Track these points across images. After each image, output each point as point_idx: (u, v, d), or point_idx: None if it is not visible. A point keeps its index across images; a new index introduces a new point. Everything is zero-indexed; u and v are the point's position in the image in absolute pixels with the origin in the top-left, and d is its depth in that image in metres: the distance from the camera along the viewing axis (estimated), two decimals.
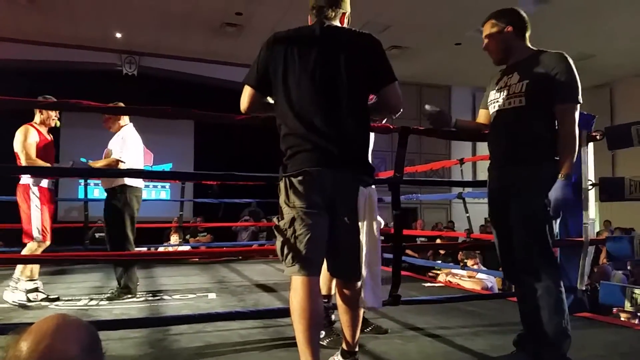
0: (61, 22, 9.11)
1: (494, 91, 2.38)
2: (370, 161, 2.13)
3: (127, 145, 4.09)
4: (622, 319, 3.83)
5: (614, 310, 3.97)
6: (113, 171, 4.04)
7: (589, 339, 2.86)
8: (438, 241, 6.51)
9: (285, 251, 1.95)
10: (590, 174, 3.09)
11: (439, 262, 6.14)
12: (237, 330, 2.95)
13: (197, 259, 6.77)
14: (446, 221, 12.07)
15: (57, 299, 3.78)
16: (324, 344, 2.55)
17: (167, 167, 11.60)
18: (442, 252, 6.85)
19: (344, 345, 2.17)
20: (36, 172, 3.61)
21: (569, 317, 2.16)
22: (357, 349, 2.16)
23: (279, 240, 1.99)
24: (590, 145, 3.15)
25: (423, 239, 7.23)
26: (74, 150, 8.58)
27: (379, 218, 2.07)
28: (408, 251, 7.64)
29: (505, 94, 2.29)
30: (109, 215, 4.03)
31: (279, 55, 1.98)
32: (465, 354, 2.59)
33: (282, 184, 2.01)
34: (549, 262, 2.18)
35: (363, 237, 1.99)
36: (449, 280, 5.01)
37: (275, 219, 2.06)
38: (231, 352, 2.59)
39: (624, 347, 2.77)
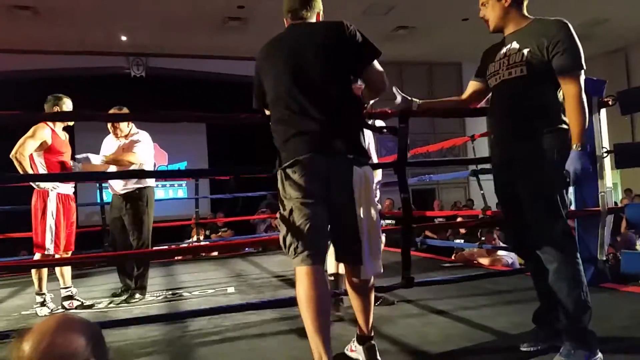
0: (66, 30, 9.17)
1: (493, 63, 2.28)
2: (362, 139, 2.09)
3: (149, 149, 4.12)
4: None
5: None
6: (120, 173, 4.02)
7: (612, 309, 2.80)
8: (459, 219, 6.44)
9: (287, 242, 1.98)
10: (604, 141, 2.99)
11: (461, 241, 6.05)
12: (255, 323, 2.96)
13: (216, 254, 6.80)
14: (465, 200, 11.95)
15: (93, 306, 3.77)
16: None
17: (181, 165, 11.69)
18: (462, 231, 6.76)
19: (358, 331, 2.17)
20: (47, 179, 3.54)
21: (588, 289, 2.08)
22: (371, 334, 2.14)
23: (281, 232, 2.01)
24: (603, 111, 3.04)
25: (441, 219, 7.15)
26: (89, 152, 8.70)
27: (376, 199, 2.05)
28: (427, 233, 7.62)
29: (505, 64, 2.20)
30: (134, 216, 4.00)
31: (263, 65, 2.12)
32: (486, 333, 2.55)
33: (278, 177, 2.04)
34: (564, 234, 2.10)
35: (361, 216, 1.99)
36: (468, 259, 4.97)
37: (278, 212, 2.07)
38: (249, 344, 2.59)
39: None
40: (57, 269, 3.72)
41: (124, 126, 4.09)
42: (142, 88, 10.53)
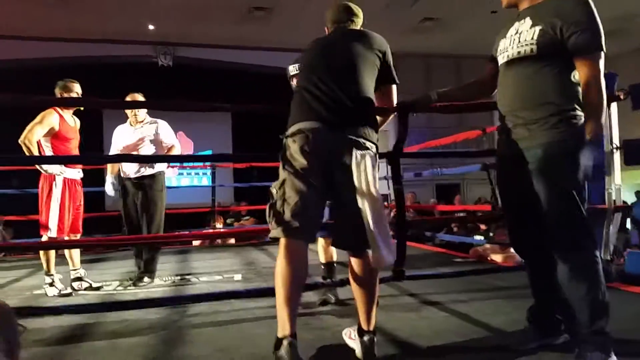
0: (94, 18, 9.32)
1: (504, 39, 2.10)
2: (373, 130, 2.10)
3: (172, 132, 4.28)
4: None
5: None
6: (133, 157, 4.09)
7: (617, 310, 2.70)
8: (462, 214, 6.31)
9: (273, 212, 1.98)
10: (615, 136, 2.86)
11: (479, 237, 5.94)
12: (252, 310, 2.97)
13: (232, 242, 6.86)
14: (490, 196, 11.72)
15: (100, 288, 3.85)
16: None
17: (207, 153, 11.81)
18: (483, 227, 6.64)
19: (358, 324, 2.12)
20: (43, 162, 3.58)
21: (606, 291, 1.93)
22: (372, 328, 2.08)
23: (270, 201, 2.02)
24: (614, 105, 2.91)
25: (461, 214, 7.04)
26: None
27: (377, 186, 2.00)
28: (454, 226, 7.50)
29: (515, 41, 2.01)
30: (149, 201, 4.07)
31: (306, 50, 2.26)
32: (479, 329, 2.50)
33: (283, 147, 2.06)
34: (583, 232, 1.93)
35: (365, 204, 1.95)
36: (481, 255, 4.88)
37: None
38: (241, 330, 2.61)
39: None
40: (66, 252, 3.82)
41: (143, 113, 4.18)
42: (169, 77, 10.66)
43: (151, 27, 10.05)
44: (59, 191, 3.57)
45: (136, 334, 2.60)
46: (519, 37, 2.01)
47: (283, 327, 1.89)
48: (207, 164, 7.27)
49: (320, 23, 2.44)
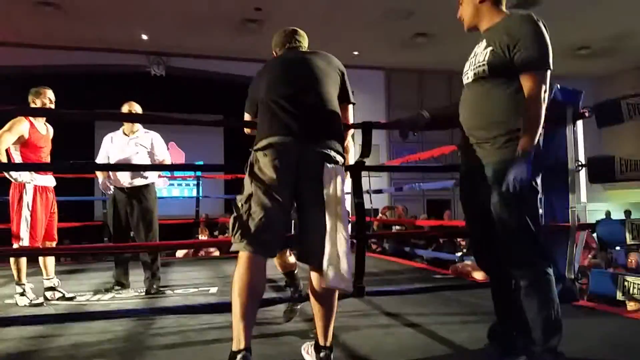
0: (87, 27, 9.37)
1: (467, 62, 2.15)
2: (340, 144, 2.11)
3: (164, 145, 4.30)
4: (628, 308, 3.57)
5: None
6: (120, 166, 4.08)
7: (582, 329, 2.69)
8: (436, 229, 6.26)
9: (236, 226, 1.97)
10: (580, 154, 2.87)
11: (459, 254, 5.92)
12: (218, 324, 2.93)
13: (217, 254, 6.82)
14: None
15: (74, 298, 3.81)
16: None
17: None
18: (462, 243, 6.61)
19: (315, 339, 2.13)
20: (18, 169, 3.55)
21: (560, 308, 1.96)
22: (328, 344, 2.08)
23: (234, 213, 2.00)
24: (580, 123, 2.92)
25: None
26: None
27: (346, 202, 2.01)
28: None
29: (472, 64, 2.07)
30: (144, 211, 4.07)
31: (261, 74, 2.23)
32: (442, 346, 2.48)
33: (249, 160, 2.05)
34: (534, 250, 1.96)
35: (329, 220, 1.95)
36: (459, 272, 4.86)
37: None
38: (204, 344, 2.58)
39: (617, 338, 2.58)
40: (41, 260, 3.78)
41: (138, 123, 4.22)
42: (161, 87, 10.72)
43: (144, 36, 10.10)
44: (30, 199, 3.53)
45: (97, 345, 2.58)
46: (475, 59, 2.06)
47: (238, 341, 1.88)
48: (192, 174, 7.23)
49: (312, 35, 2.47)
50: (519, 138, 1.91)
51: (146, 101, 4.11)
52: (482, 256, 2.25)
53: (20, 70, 9.83)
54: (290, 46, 2.34)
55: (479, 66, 2.01)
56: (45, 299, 3.71)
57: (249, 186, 2.00)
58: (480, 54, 2.02)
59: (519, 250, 1.95)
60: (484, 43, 2.04)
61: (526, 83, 1.91)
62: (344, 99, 2.23)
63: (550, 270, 1.97)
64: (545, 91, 1.90)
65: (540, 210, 2.02)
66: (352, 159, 2.20)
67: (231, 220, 2.00)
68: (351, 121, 2.35)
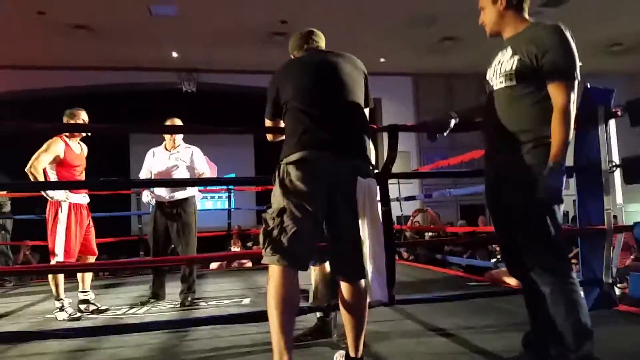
0: (119, 47, 9.63)
1: (490, 69, 2.15)
2: (370, 153, 2.11)
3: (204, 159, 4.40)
4: None
5: None
6: (151, 182, 4.18)
7: (621, 335, 2.60)
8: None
9: (268, 240, 1.95)
10: (614, 154, 2.78)
11: (494, 260, 5.80)
12: (251, 335, 2.95)
13: (250, 265, 6.86)
14: None
15: (107, 310, 3.92)
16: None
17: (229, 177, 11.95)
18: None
19: (346, 350, 2.12)
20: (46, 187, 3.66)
21: (588, 312, 1.93)
22: (359, 355, 2.08)
23: (263, 228, 1.99)
24: (612, 122, 2.83)
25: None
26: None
27: (379, 213, 2.02)
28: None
29: (498, 71, 2.07)
30: (185, 224, 4.17)
31: (282, 79, 2.17)
32: (477, 355, 2.44)
33: (278, 172, 2.03)
34: (555, 256, 1.95)
35: (365, 231, 1.95)
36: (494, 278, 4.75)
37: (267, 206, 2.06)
38: (238, 356, 2.60)
39: None
40: (79, 274, 3.90)
41: (179, 138, 4.32)
42: (193, 103, 10.89)
43: (175, 54, 10.32)
44: (65, 217, 3.65)
45: (132, 357, 2.64)
46: (500, 68, 2.06)
47: (280, 355, 1.87)
48: (224, 187, 7.32)
49: (338, 44, 2.44)
50: (545, 145, 1.92)
51: (179, 117, 4.21)
52: (511, 263, 2.21)
53: (55, 93, 10.17)
54: (309, 47, 2.29)
55: (506, 74, 2.01)
56: (80, 311, 3.82)
57: (280, 199, 1.96)
58: (507, 62, 2.02)
59: (540, 257, 1.95)
60: (509, 51, 2.03)
61: (554, 92, 1.91)
62: (366, 103, 2.22)
63: (574, 275, 1.96)
64: (573, 101, 1.90)
65: (573, 213, 1.97)
66: (372, 160, 2.17)
67: (262, 234, 1.99)
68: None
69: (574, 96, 1.90)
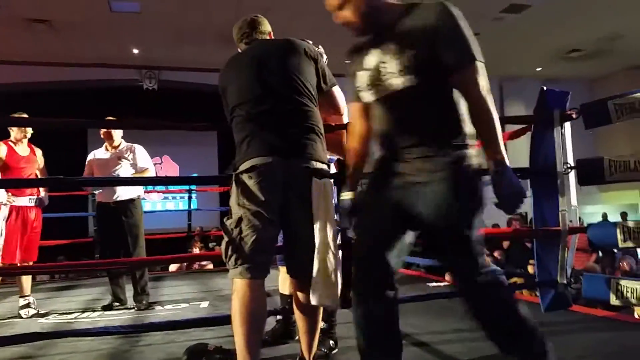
0: (80, 43, 9.37)
1: (362, 72, 1.69)
2: (325, 154, 2.03)
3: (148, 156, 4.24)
4: (635, 315, 3.52)
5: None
6: (109, 180, 4.03)
7: (576, 335, 2.64)
8: None
9: (230, 252, 1.88)
10: (569, 156, 2.82)
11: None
12: (208, 340, 2.85)
13: (211, 267, 6.75)
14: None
15: (47, 314, 3.80)
16: None
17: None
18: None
19: (300, 354, 2.07)
20: None
21: (526, 311, 1.65)
22: (313, 359, 2.04)
23: (224, 240, 1.92)
24: (567, 125, 2.88)
25: None
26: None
27: (334, 216, 1.97)
28: None
29: (377, 75, 1.63)
30: (132, 225, 4.03)
31: (226, 77, 2.10)
32: (434, 357, 2.42)
33: (232, 182, 1.96)
34: (484, 270, 1.61)
35: (318, 236, 1.90)
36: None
37: (226, 217, 1.98)
38: None
39: (612, 343, 2.52)
40: (17, 279, 3.80)
41: (118, 137, 4.14)
42: (154, 100, 10.70)
43: (136, 51, 10.09)
44: (4, 218, 3.57)
45: None
46: (385, 68, 1.62)
47: None
48: (184, 187, 7.19)
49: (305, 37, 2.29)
50: (462, 149, 1.58)
51: (139, 115, 4.10)
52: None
53: (12, 88, 9.81)
54: (252, 38, 2.16)
55: (396, 75, 1.59)
56: (20, 316, 3.69)
57: (237, 209, 1.90)
58: (391, 60, 1.59)
59: (472, 275, 1.63)
60: (390, 46, 1.60)
61: (461, 83, 1.56)
62: (324, 84, 2.10)
63: (503, 277, 1.67)
64: (489, 89, 1.55)
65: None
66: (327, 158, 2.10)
67: (223, 246, 1.93)
68: (342, 103, 2.21)
69: (486, 79, 1.53)
